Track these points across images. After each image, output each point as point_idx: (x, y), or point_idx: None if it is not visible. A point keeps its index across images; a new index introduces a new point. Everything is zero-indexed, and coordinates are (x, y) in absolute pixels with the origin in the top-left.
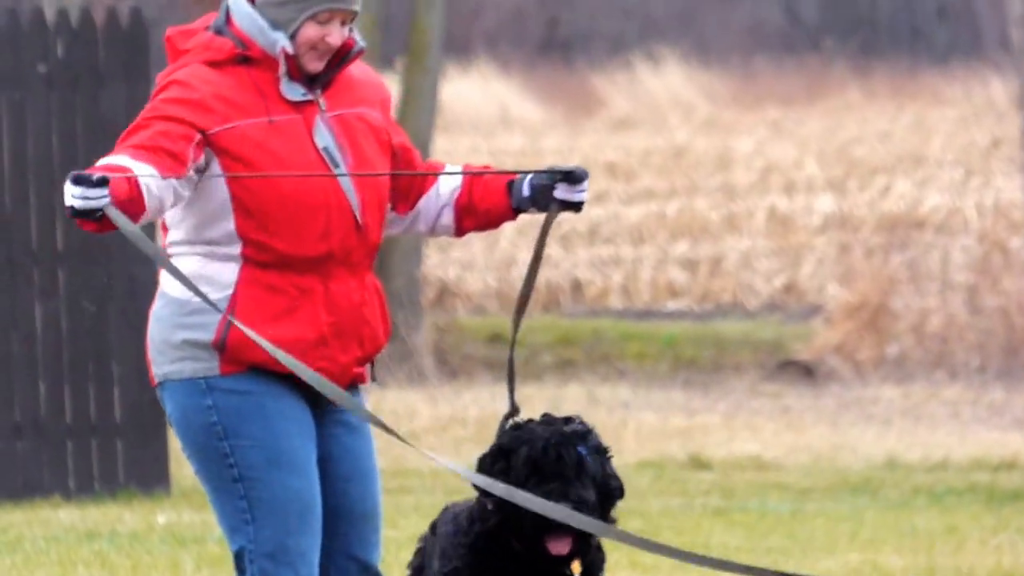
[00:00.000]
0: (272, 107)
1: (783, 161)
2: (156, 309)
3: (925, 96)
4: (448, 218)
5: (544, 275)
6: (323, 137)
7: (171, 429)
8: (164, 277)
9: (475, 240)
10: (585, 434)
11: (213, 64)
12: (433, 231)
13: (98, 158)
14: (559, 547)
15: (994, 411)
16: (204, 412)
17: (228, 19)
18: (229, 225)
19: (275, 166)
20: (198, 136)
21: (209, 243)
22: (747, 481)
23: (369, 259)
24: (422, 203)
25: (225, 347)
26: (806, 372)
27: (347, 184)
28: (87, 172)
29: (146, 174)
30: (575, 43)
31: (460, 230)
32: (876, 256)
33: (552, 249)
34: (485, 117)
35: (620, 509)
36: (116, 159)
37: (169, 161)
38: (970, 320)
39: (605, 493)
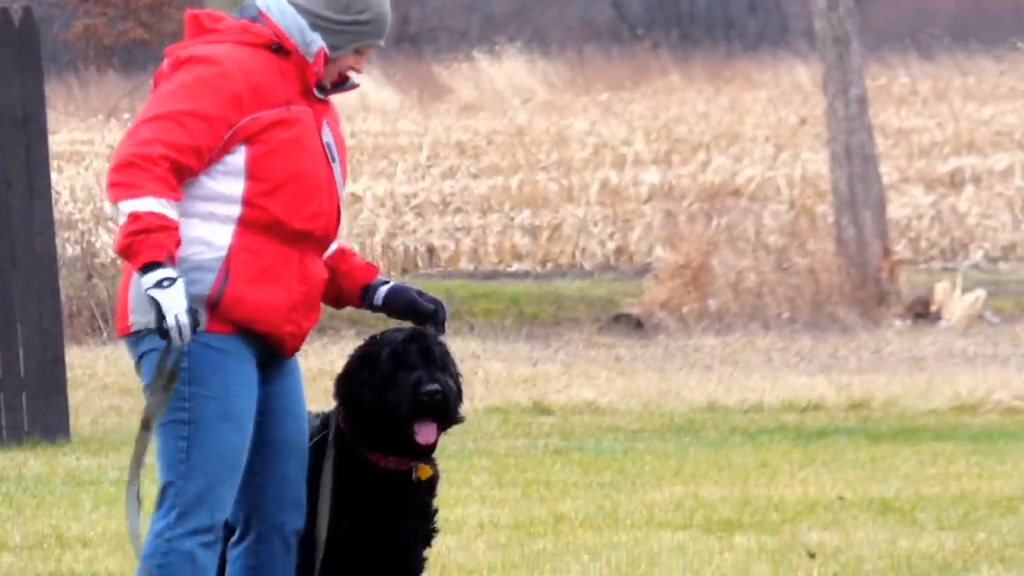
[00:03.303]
0: (292, 97)
1: (613, 139)
2: (116, 244)
3: (739, 80)
4: None
5: (402, 241)
6: (327, 134)
7: (72, 385)
8: None
9: None
10: (437, 337)
11: (248, 45)
12: None
13: None
14: (427, 435)
15: (802, 358)
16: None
17: (261, 14)
18: (238, 187)
19: (294, 146)
20: (226, 134)
21: (211, 200)
22: (584, 424)
23: (328, 245)
24: None
25: (219, 304)
26: (636, 325)
27: (338, 178)
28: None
29: (172, 216)
30: (424, 37)
31: None
32: (697, 222)
33: (409, 218)
34: (347, 103)
35: (470, 450)
36: (150, 204)
37: (192, 169)
38: (781, 277)
39: (457, 389)
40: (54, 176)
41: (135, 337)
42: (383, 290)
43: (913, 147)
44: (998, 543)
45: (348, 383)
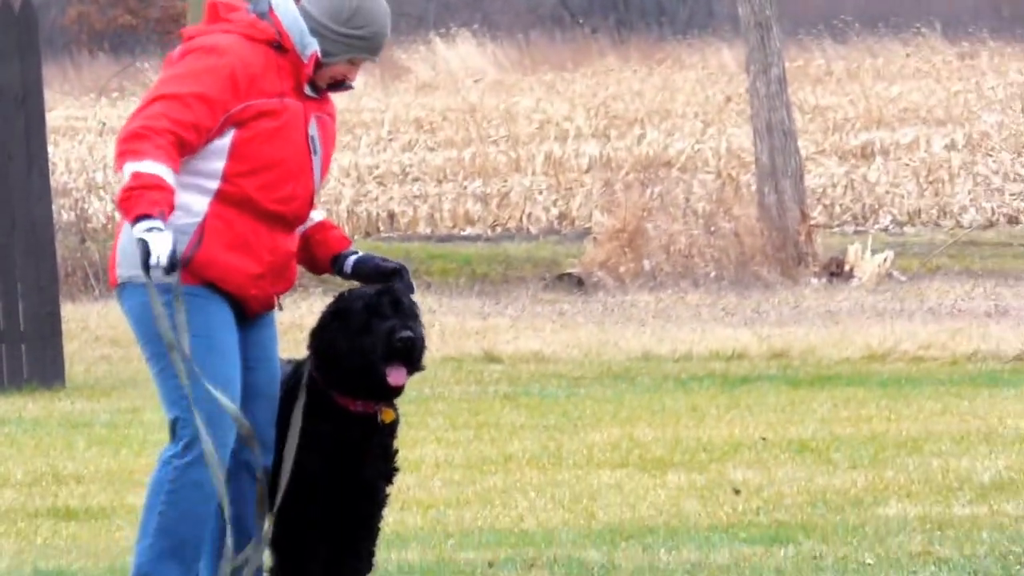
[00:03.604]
0: (285, 91)
1: (556, 115)
2: (116, 198)
3: (670, 62)
4: None
5: (365, 208)
6: (313, 128)
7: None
8: None
9: None
10: (406, 291)
11: (252, 39)
12: None
13: None
14: (397, 377)
15: (728, 312)
16: (161, 307)
17: (271, 10)
18: (220, 164)
19: (277, 135)
20: (222, 118)
21: (194, 174)
22: (530, 372)
23: (301, 224)
24: None
25: (190, 263)
26: (578, 283)
27: (317, 169)
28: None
29: (166, 180)
30: None
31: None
32: (633, 190)
33: (371, 187)
34: None
35: (427, 395)
36: (150, 167)
37: (191, 145)
38: (709, 240)
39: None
40: (51, 149)
41: (120, 288)
42: (351, 259)
43: (828, 122)
44: (905, 480)
45: (323, 334)
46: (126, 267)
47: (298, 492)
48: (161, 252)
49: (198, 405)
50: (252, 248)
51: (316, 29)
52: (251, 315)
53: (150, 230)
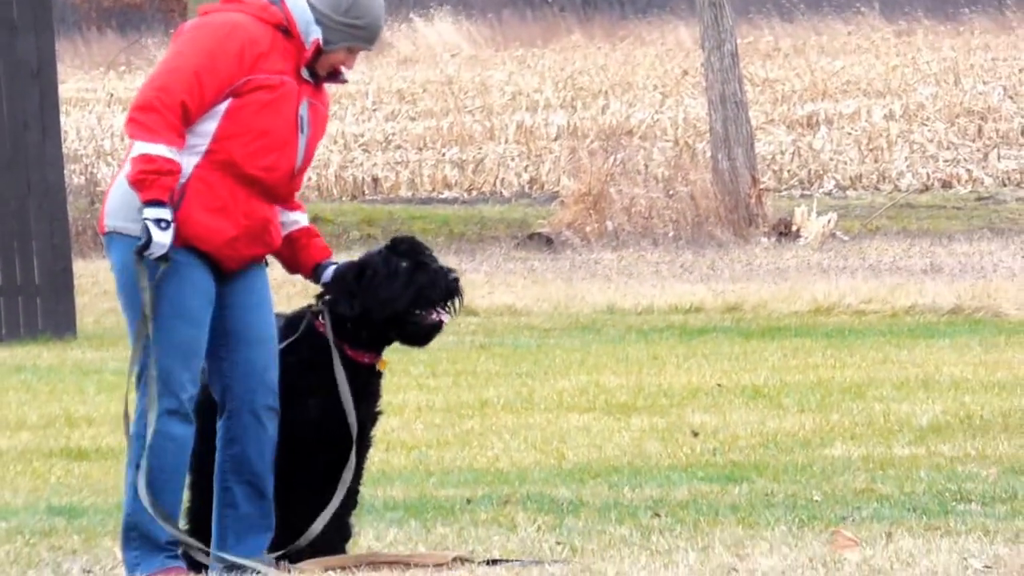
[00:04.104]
0: (286, 71)
1: (527, 87)
2: (129, 175)
3: (632, 39)
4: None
5: (351, 173)
6: (304, 109)
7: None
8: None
9: None
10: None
11: (262, 21)
12: None
13: (15, 92)
14: (444, 315)
15: (685, 269)
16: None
17: None
18: (211, 126)
19: (269, 106)
20: (227, 90)
21: (187, 134)
22: (504, 323)
23: (281, 199)
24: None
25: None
26: (547, 242)
27: (302, 147)
28: (161, 218)
29: (176, 163)
30: None
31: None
32: (597, 157)
33: (357, 153)
34: None
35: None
36: (162, 151)
37: (196, 114)
38: (667, 203)
39: None
40: (63, 118)
41: (109, 237)
42: (330, 270)
43: (776, 94)
44: (849, 423)
45: (364, 286)
46: (115, 218)
47: (297, 436)
48: (158, 248)
49: (156, 365)
50: (229, 211)
51: (319, 19)
52: (227, 273)
53: (158, 221)
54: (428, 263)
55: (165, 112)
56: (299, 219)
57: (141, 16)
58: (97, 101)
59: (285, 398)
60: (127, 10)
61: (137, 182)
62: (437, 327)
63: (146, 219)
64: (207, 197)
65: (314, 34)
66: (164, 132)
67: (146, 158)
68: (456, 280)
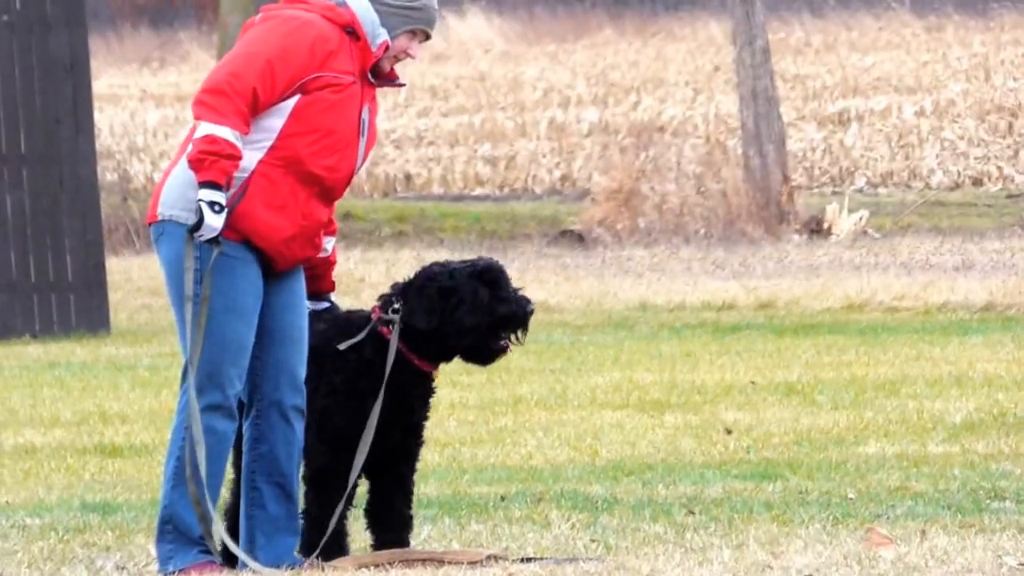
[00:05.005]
0: (353, 72)
1: (559, 83)
2: (190, 154)
3: (663, 34)
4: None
5: (383, 169)
6: (365, 112)
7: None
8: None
9: None
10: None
11: (331, 20)
12: None
13: (49, 88)
14: (509, 342)
15: (717, 266)
16: (192, 258)
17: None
18: (278, 122)
19: (336, 106)
20: (297, 84)
21: (254, 130)
22: (537, 320)
23: (333, 201)
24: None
25: (231, 213)
26: (579, 239)
27: (360, 151)
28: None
29: (238, 149)
30: None
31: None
32: (629, 153)
33: (389, 149)
34: None
35: None
36: (227, 134)
37: (265, 104)
38: (698, 200)
39: None
40: (96, 115)
41: (160, 227)
42: (322, 305)
43: (807, 91)
44: (883, 420)
45: (447, 306)
46: (171, 205)
47: (351, 432)
48: (209, 231)
49: (202, 357)
50: (288, 210)
51: (378, 8)
52: (276, 271)
53: (212, 204)
54: (508, 295)
55: (235, 97)
56: (328, 245)
57: (175, 12)
58: (130, 97)
59: (339, 395)
60: (161, 6)
61: (196, 161)
62: (503, 352)
63: (200, 200)
64: (269, 194)
65: (382, 36)
66: (231, 116)
67: (210, 139)
68: (531, 312)
